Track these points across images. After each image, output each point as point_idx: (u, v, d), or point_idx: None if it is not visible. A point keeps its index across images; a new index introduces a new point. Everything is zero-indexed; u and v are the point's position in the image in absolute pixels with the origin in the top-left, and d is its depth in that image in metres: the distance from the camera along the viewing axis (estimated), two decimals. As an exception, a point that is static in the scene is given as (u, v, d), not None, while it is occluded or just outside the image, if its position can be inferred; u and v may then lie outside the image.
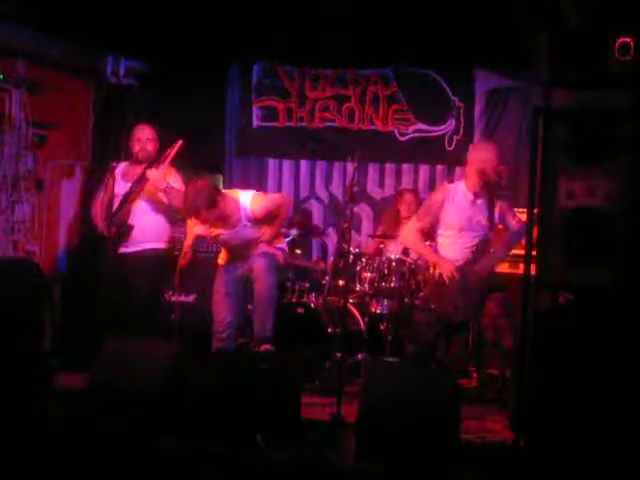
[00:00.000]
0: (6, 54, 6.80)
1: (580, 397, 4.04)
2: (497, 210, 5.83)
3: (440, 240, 5.93)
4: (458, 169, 7.93)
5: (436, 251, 5.95)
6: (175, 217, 6.77)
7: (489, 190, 5.78)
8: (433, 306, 5.90)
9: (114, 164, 6.53)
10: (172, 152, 6.33)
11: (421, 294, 6.12)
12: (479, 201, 5.81)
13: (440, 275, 5.82)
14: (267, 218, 6.20)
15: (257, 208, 6.14)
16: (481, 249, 5.85)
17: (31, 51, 6.92)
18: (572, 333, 4.12)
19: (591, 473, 3.99)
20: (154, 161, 6.39)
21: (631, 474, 3.92)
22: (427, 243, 6.07)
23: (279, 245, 6.40)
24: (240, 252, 6.29)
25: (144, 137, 6.54)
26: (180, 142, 6.34)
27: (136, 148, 6.52)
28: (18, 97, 6.95)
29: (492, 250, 6.01)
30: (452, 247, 5.86)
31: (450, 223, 5.84)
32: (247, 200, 6.14)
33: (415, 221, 6.02)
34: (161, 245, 6.66)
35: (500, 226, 5.96)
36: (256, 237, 6.23)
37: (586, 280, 4.06)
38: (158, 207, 6.53)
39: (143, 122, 6.73)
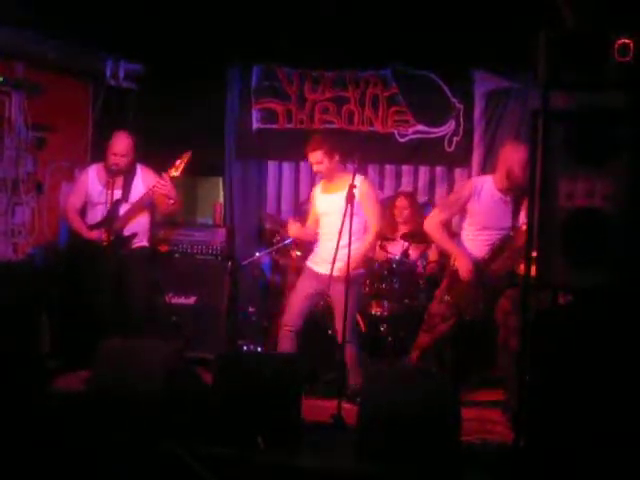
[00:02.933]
0: (5, 57, 6.80)
1: (580, 397, 4.04)
2: (523, 209, 5.80)
3: (463, 234, 5.96)
4: (458, 170, 7.94)
5: (459, 244, 5.96)
6: (155, 218, 6.92)
7: (515, 190, 5.76)
8: (447, 297, 5.90)
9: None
10: (182, 163, 6.33)
11: (441, 286, 6.08)
12: (506, 199, 5.80)
13: (457, 267, 5.83)
14: (362, 214, 6.03)
15: (365, 193, 6.00)
16: (502, 247, 5.82)
17: (30, 54, 6.92)
18: (572, 334, 4.12)
19: (591, 473, 3.99)
20: (165, 172, 6.38)
21: (631, 474, 3.93)
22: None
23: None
24: (328, 242, 6.05)
25: (120, 152, 6.45)
26: (189, 153, 6.34)
27: (110, 161, 6.47)
28: (17, 100, 6.95)
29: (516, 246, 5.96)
30: (473, 242, 5.88)
31: (474, 218, 5.86)
32: (360, 179, 5.96)
33: (439, 212, 6.05)
34: (145, 243, 6.70)
35: (524, 226, 5.94)
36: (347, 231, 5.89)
37: (586, 281, 4.06)
38: (147, 208, 6.60)
39: (120, 131, 6.66)
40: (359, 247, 6.01)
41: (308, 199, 8.25)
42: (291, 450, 4.72)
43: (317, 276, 6.17)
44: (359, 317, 6.78)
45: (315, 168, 6.16)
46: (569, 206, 4.07)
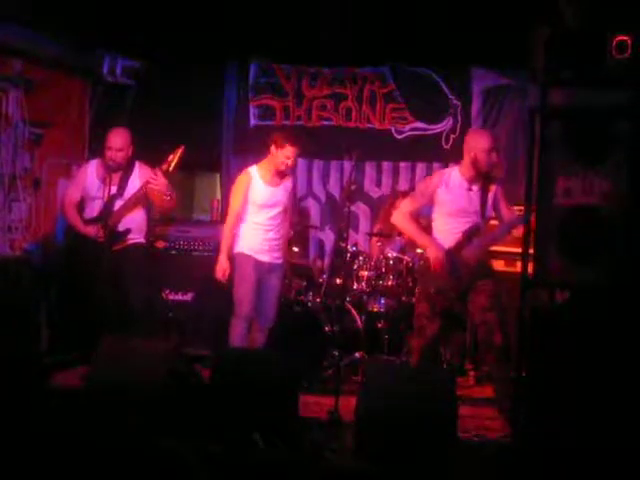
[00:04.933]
0: (3, 53, 6.79)
1: (577, 394, 4.05)
2: (490, 198, 5.79)
3: (434, 225, 5.89)
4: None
5: (429, 234, 5.92)
6: (152, 215, 6.91)
7: (482, 179, 5.75)
8: (417, 288, 5.89)
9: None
10: (175, 158, 6.32)
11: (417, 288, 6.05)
12: (474, 187, 5.75)
13: (427, 257, 5.81)
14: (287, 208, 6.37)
15: (292, 187, 6.48)
16: (471, 235, 5.76)
17: (28, 50, 6.91)
18: (568, 331, 4.13)
19: (588, 470, 4.00)
20: (158, 167, 6.36)
21: (628, 471, 3.93)
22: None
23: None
24: (268, 233, 6.25)
25: (115, 147, 6.42)
26: (182, 148, 6.32)
27: (106, 156, 6.46)
28: (15, 96, 6.94)
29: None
30: (444, 232, 5.79)
31: (443, 207, 5.80)
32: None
33: (408, 203, 5.98)
34: (142, 239, 6.68)
35: (493, 216, 5.94)
36: (284, 220, 6.35)
37: (583, 278, 4.07)
38: (142, 204, 6.60)
39: (118, 127, 6.66)
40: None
41: (306, 196, 8.31)
42: (289, 447, 4.73)
43: (259, 264, 6.22)
44: (356, 314, 6.81)
45: (289, 163, 6.18)
46: (567, 203, 4.08)
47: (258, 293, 6.22)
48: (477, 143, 5.71)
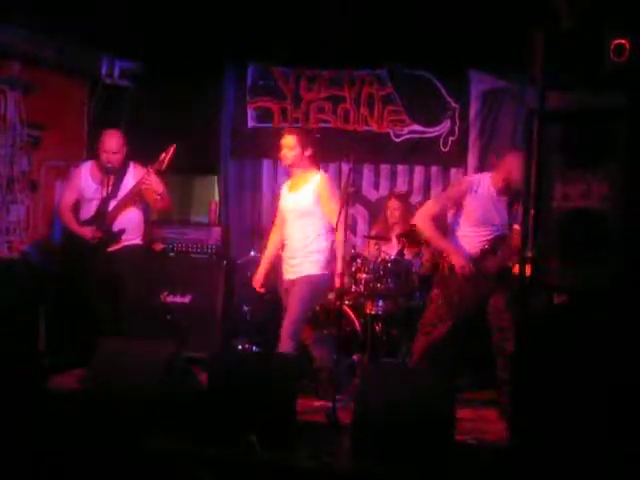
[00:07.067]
0: (1, 55, 6.79)
1: (575, 397, 4.05)
2: (518, 208, 5.81)
3: (458, 230, 5.94)
4: (453, 170, 7.94)
5: (452, 240, 5.94)
6: (150, 216, 6.88)
7: (510, 193, 5.84)
8: (436, 291, 5.89)
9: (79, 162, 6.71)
10: (167, 157, 6.31)
11: (433, 288, 6.06)
12: (502, 198, 5.85)
13: (450, 264, 5.81)
14: (322, 212, 5.85)
15: (323, 188, 5.86)
16: (497, 245, 5.83)
17: (26, 52, 6.90)
18: (567, 333, 4.13)
19: (586, 474, 4.00)
20: (151, 165, 6.36)
21: (626, 474, 3.94)
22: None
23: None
24: (285, 246, 5.96)
25: (111, 150, 6.45)
26: (173, 147, 6.32)
27: (103, 158, 6.47)
28: (13, 98, 6.93)
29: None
30: (469, 239, 5.87)
31: (471, 215, 5.86)
32: (318, 176, 5.93)
33: (431, 205, 6.01)
34: (139, 241, 6.68)
35: (517, 226, 5.95)
36: (309, 228, 5.87)
37: (581, 281, 4.07)
38: (137, 205, 6.60)
39: (111, 129, 6.68)
40: (323, 249, 5.87)
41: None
42: (286, 449, 4.72)
43: (283, 283, 6.03)
44: (353, 316, 6.79)
45: (283, 152, 5.89)
46: (565, 206, 4.08)
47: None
48: (515, 167, 5.68)
